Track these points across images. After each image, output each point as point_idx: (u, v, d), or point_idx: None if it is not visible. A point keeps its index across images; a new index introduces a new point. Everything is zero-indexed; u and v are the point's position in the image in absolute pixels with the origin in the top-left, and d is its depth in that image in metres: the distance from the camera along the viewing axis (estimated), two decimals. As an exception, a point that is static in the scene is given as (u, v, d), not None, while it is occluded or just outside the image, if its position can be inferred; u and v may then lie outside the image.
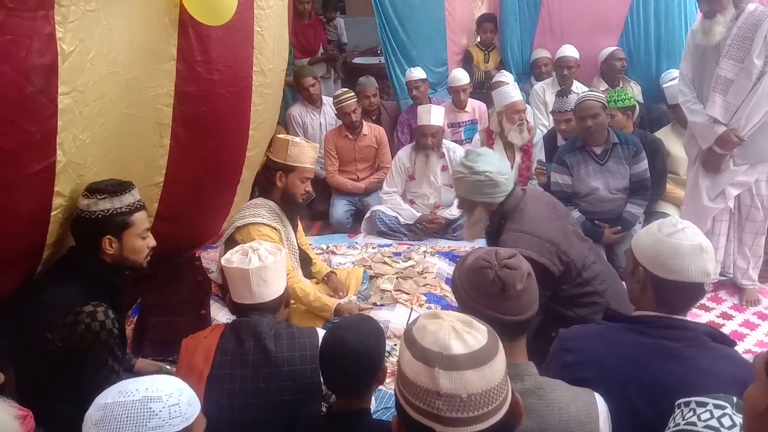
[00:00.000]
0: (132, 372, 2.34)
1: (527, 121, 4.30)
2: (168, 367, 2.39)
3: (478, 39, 5.51)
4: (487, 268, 1.38)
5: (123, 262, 2.05)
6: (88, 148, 2.02)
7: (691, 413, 1.17)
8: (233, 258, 1.88)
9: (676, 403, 1.23)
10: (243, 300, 1.88)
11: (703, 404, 1.17)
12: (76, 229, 2.02)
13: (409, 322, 1.07)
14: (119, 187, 2.01)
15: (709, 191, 3.15)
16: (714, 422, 1.14)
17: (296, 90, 4.96)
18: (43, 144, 1.81)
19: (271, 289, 1.88)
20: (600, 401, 1.31)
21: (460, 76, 4.71)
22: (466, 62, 5.31)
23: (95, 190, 1.98)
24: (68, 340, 1.80)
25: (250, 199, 3.11)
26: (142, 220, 2.07)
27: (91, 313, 1.82)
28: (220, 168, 3.05)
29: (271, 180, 2.78)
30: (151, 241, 2.12)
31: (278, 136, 2.82)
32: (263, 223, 2.67)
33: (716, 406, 1.15)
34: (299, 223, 3.04)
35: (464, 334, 0.98)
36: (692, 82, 3.13)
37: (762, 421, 0.93)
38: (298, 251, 2.90)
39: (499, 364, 0.98)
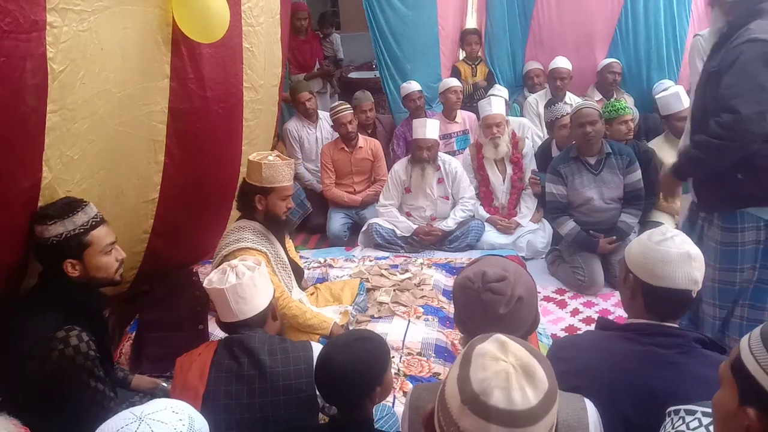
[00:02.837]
0: (129, 389, 2.33)
1: (514, 132, 4.32)
2: (165, 384, 2.37)
3: (464, 54, 5.56)
4: (469, 288, 1.38)
5: (92, 282, 1.97)
6: (76, 165, 2.03)
7: (681, 421, 1.18)
8: (213, 278, 1.90)
9: (667, 411, 1.23)
10: (227, 318, 1.89)
11: (692, 412, 1.18)
12: (37, 256, 1.95)
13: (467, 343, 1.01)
14: (69, 208, 1.91)
15: None
16: (702, 430, 1.15)
17: (292, 105, 5.00)
18: (32, 161, 1.83)
19: (252, 305, 1.88)
20: (590, 406, 1.32)
21: (451, 80, 4.82)
22: (454, 77, 5.35)
23: (44, 215, 1.89)
24: (44, 368, 1.75)
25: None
26: (102, 236, 1.96)
27: (63, 338, 1.77)
28: (215, 184, 3.06)
29: (251, 204, 2.71)
30: (119, 254, 2.03)
31: (251, 158, 2.69)
32: (248, 248, 2.61)
33: (705, 414, 1.16)
34: (287, 237, 2.99)
35: (514, 388, 0.90)
36: None
37: (733, 423, 0.94)
38: (290, 267, 2.87)
39: (537, 430, 0.90)
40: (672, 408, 1.23)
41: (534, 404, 0.90)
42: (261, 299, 1.91)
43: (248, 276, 1.86)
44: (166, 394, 2.24)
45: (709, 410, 1.17)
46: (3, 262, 1.94)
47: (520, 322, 1.38)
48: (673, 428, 1.19)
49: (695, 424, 1.16)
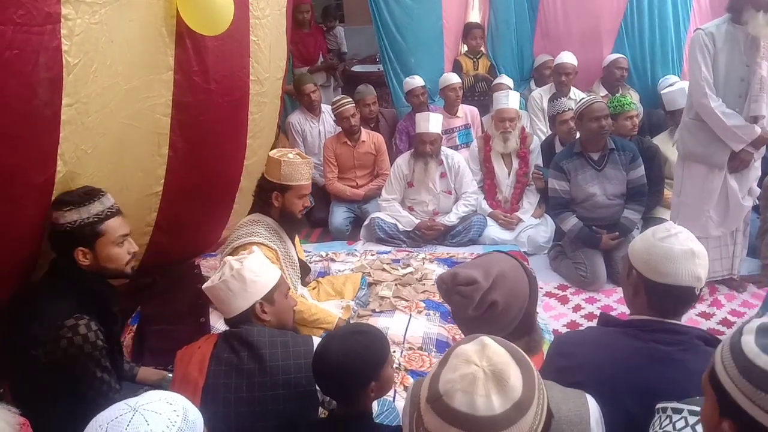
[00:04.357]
0: (134, 381, 2.34)
1: (524, 128, 4.32)
2: (170, 375, 2.38)
3: (465, 48, 5.53)
4: (441, 288, 1.42)
5: (102, 271, 1.98)
6: (89, 159, 2.04)
7: (668, 420, 1.16)
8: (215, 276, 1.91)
9: (656, 408, 1.22)
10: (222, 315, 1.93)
11: (679, 411, 1.16)
12: (50, 242, 1.98)
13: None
14: (86, 197, 1.94)
15: (741, 191, 3.19)
16: (688, 431, 1.13)
17: (296, 97, 4.98)
18: (46, 156, 1.83)
19: (228, 307, 1.87)
20: (591, 402, 1.31)
21: (451, 77, 4.80)
22: (456, 71, 5.33)
23: (62, 201, 1.92)
24: (53, 356, 1.78)
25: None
26: (116, 227, 1.97)
27: (73, 327, 1.80)
28: (219, 177, 3.06)
29: (267, 200, 2.71)
30: (132, 247, 2.04)
31: (270, 155, 2.69)
32: (259, 243, 2.59)
33: (691, 413, 1.14)
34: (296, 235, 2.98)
35: (479, 393, 0.89)
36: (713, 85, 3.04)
37: None
38: (298, 266, 2.86)
39: None
40: (660, 405, 1.22)
41: (497, 413, 0.88)
42: (240, 303, 1.88)
43: (219, 280, 1.86)
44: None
45: (696, 408, 1.16)
46: (17, 258, 1.95)
47: (496, 327, 1.37)
48: (660, 428, 1.18)
49: (681, 423, 1.15)
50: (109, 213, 1.96)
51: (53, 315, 1.82)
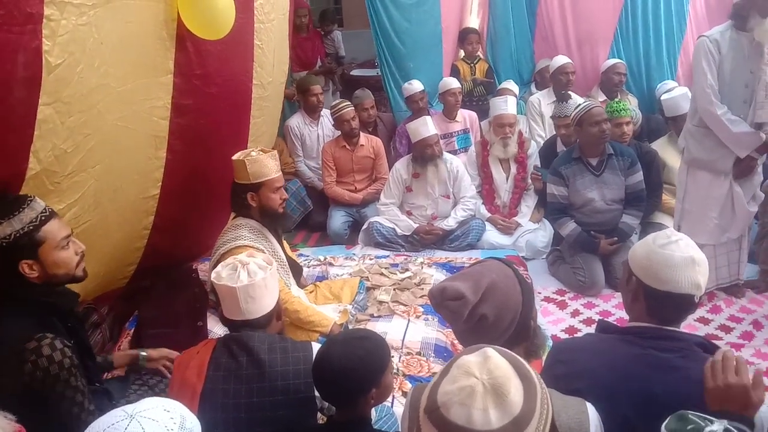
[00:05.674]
0: (113, 367, 2.29)
1: (521, 132, 4.32)
2: (143, 353, 2.30)
3: (462, 53, 5.53)
4: (431, 300, 1.42)
5: (53, 279, 1.84)
6: (68, 158, 2.01)
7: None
8: (223, 273, 1.87)
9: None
10: (233, 316, 1.87)
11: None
12: None
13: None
14: (13, 206, 1.78)
15: (746, 197, 3.20)
16: None
17: (301, 97, 4.94)
18: (14, 152, 1.81)
19: (260, 305, 1.86)
20: (591, 410, 1.31)
21: (450, 81, 4.79)
22: (453, 76, 5.33)
23: None
24: (18, 382, 1.67)
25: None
26: (55, 230, 1.82)
27: (35, 349, 1.67)
28: (218, 180, 3.05)
29: (244, 203, 2.70)
30: (78, 247, 1.91)
31: (233, 158, 2.67)
32: (246, 246, 2.59)
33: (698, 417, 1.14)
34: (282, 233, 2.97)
35: (476, 407, 0.87)
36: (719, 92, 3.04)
37: None
38: (287, 264, 2.86)
39: None
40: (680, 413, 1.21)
41: (495, 428, 0.87)
42: (269, 300, 1.89)
43: (261, 276, 1.84)
44: (146, 360, 2.28)
45: (710, 418, 1.15)
46: None
47: (489, 337, 1.35)
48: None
49: None
50: (43, 218, 1.81)
51: (11, 340, 1.69)
